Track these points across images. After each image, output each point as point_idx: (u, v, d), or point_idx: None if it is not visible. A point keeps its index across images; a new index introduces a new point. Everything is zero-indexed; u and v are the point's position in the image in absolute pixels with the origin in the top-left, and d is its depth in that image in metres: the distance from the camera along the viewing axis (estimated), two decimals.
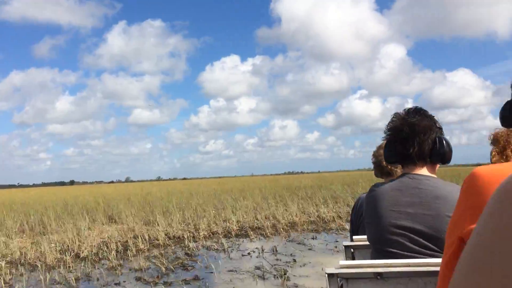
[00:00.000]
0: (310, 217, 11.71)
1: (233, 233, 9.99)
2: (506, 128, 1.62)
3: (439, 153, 1.63)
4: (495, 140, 1.93)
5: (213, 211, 12.69)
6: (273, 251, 7.83)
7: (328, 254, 7.42)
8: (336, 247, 7.83)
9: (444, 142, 1.64)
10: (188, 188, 29.61)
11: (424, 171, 1.67)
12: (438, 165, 1.72)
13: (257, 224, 10.86)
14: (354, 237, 2.14)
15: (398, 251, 1.58)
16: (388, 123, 1.72)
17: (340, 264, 1.48)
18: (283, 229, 10.22)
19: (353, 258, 2.04)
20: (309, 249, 7.92)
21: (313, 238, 9.09)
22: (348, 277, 1.44)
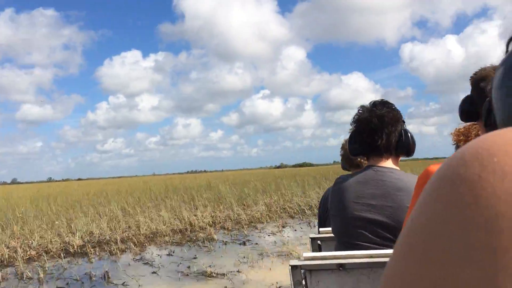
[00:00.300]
0: (181, 224, 10.25)
1: (72, 250, 8.05)
2: (465, 124, 1.67)
3: (404, 145, 1.69)
4: (467, 135, 1.81)
5: (60, 222, 10.54)
6: (104, 277, 5.95)
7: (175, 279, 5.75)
8: (188, 267, 6.21)
9: (409, 134, 1.70)
10: (64, 191, 26.11)
11: (388, 163, 1.71)
12: (400, 158, 1.77)
13: (110, 236, 8.96)
14: (320, 229, 2.12)
15: (361, 243, 1.61)
16: (355, 115, 1.75)
17: (304, 256, 1.48)
18: (138, 243, 8.43)
19: (320, 250, 2.01)
20: (153, 273, 6.16)
21: (169, 254, 7.39)
22: (311, 269, 1.46)
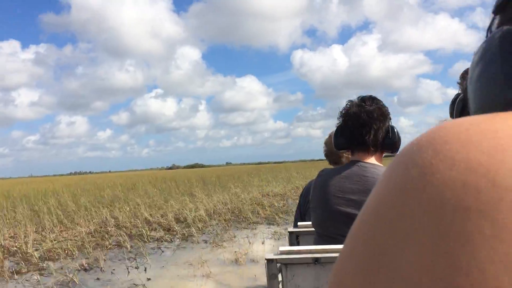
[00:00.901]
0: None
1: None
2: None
3: (391, 142, 1.70)
4: None
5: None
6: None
7: None
8: None
9: (396, 131, 1.71)
10: None
11: (372, 159, 1.72)
12: (383, 154, 1.78)
13: None
14: (299, 223, 2.10)
15: (339, 237, 1.61)
16: (343, 109, 1.75)
17: (280, 250, 1.50)
18: None
19: (298, 244, 2.01)
20: None
21: None
22: (287, 263, 1.47)
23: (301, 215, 2.46)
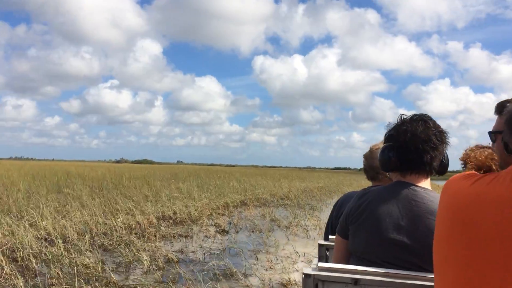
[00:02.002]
0: None
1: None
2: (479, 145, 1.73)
3: (445, 167, 1.65)
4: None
5: None
6: None
7: None
8: None
9: (447, 155, 1.66)
10: None
11: (424, 183, 1.64)
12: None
13: None
14: (330, 236, 2.04)
15: (381, 262, 1.54)
16: (401, 128, 1.62)
17: (319, 265, 1.47)
18: None
19: (326, 258, 1.98)
20: None
21: None
22: (324, 280, 1.45)
23: (332, 227, 2.38)
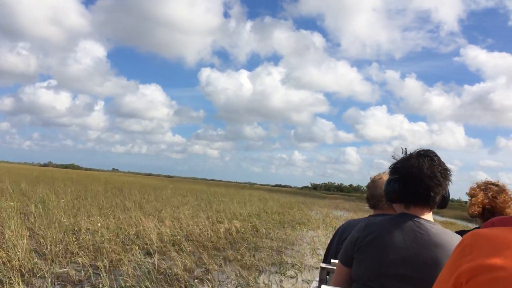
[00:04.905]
0: None
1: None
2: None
3: (446, 201, 1.71)
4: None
5: None
6: None
7: None
8: None
9: (449, 191, 1.72)
10: None
11: (428, 215, 1.69)
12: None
13: None
14: (332, 260, 2.07)
15: None
16: (406, 163, 1.69)
17: None
18: None
19: (326, 281, 2.01)
20: None
21: None
22: None
23: (333, 253, 2.42)
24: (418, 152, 1.70)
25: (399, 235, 1.61)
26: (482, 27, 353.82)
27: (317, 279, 2.09)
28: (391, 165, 1.77)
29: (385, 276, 1.59)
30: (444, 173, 1.65)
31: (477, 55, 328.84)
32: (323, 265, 2.06)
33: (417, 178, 1.63)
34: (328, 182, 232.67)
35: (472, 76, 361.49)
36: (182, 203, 18.85)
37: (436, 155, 1.69)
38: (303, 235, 13.54)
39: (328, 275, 2.04)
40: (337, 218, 21.51)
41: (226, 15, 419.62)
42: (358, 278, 1.69)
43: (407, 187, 1.66)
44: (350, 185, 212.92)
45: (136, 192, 22.30)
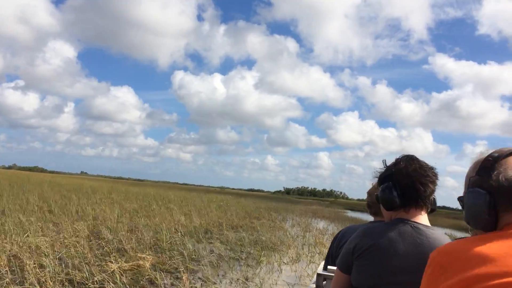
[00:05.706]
0: None
1: None
2: None
3: (435, 202, 1.75)
4: None
5: None
6: None
7: None
8: None
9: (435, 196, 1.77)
10: None
11: (424, 218, 1.71)
12: None
13: None
14: (328, 267, 2.08)
15: None
16: (402, 167, 1.71)
17: None
18: None
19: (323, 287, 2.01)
20: None
21: None
22: None
23: (332, 259, 2.38)
24: (402, 157, 1.75)
25: (398, 242, 1.62)
26: (450, 36, 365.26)
27: (312, 285, 2.07)
28: (380, 175, 1.79)
29: (386, 284, 1.60)
30: (434, 171, 1.72)
31: (445, 63, 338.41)
32: (320, 271, 2.06)
33: (412, 179, 1.67)
34: (302, 187, 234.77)
35: (440, 84, 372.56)
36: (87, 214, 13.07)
37: (418, 158, 1.75)
38: (272, 279, 7.78)
39: (325, 281, 2.04)
40: (321, 233, 16.65)
41: (199, 18, 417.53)
42: (358, 285, 1.69)
43: (404, 190, 1.68)
44: (324, 190, 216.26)
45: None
